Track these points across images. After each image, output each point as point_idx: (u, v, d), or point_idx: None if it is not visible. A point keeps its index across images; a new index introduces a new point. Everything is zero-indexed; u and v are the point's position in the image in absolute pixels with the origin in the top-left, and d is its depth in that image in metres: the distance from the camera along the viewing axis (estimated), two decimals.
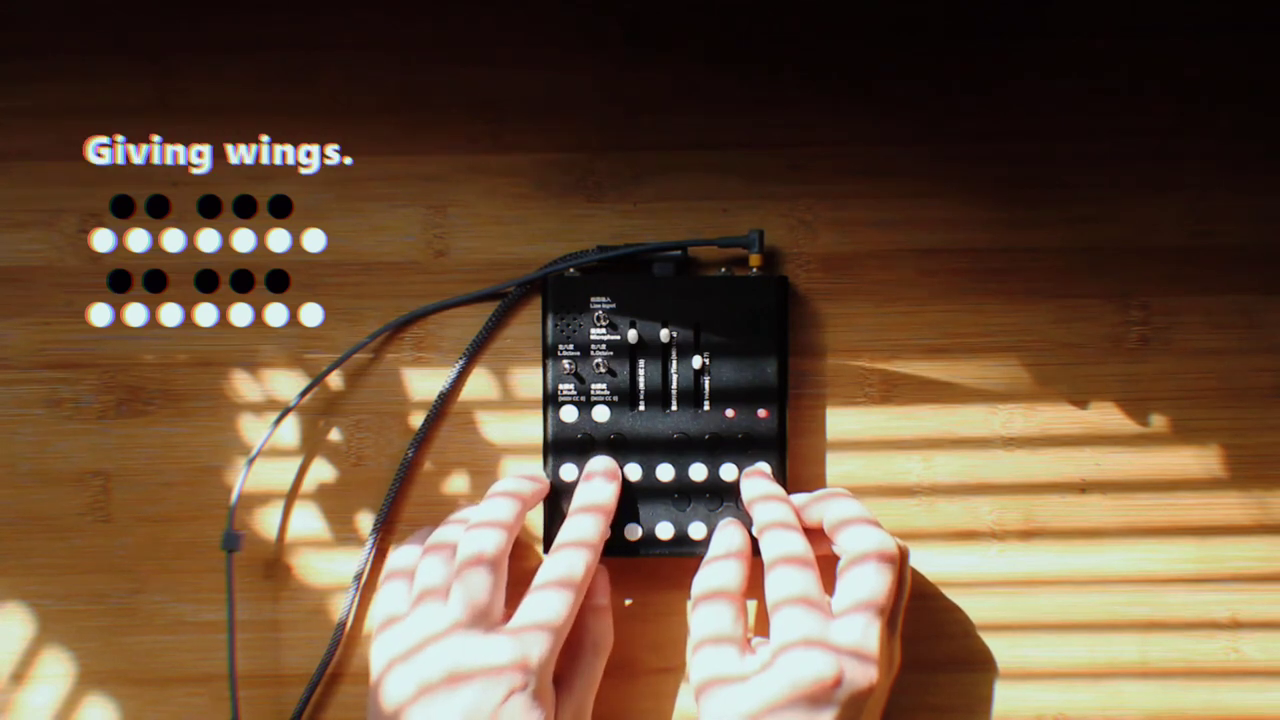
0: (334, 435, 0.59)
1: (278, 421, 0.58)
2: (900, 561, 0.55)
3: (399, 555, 0.57)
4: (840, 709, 0.51)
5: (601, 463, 0.57)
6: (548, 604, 0.53)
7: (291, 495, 0.59)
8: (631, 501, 0.57)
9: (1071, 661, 0.59)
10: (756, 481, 0.57)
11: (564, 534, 0.56)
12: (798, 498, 0.57)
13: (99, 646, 0.59)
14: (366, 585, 0.59)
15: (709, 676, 0.53)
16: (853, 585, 0.53)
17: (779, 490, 0.57)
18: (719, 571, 0.56)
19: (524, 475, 0.57)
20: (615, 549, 0.57)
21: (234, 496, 0.58)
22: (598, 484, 0.57)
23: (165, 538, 0.59)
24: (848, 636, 0.52)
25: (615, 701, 0.58)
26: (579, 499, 0.56)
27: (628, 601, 0.59)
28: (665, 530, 0.57)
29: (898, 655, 0.55)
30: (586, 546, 0.55)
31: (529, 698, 0.52)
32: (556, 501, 0.57)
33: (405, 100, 0.60)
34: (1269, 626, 0.59)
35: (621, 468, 0.57)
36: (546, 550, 0.57)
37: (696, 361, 0.58)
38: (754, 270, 0.58)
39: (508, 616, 0.54)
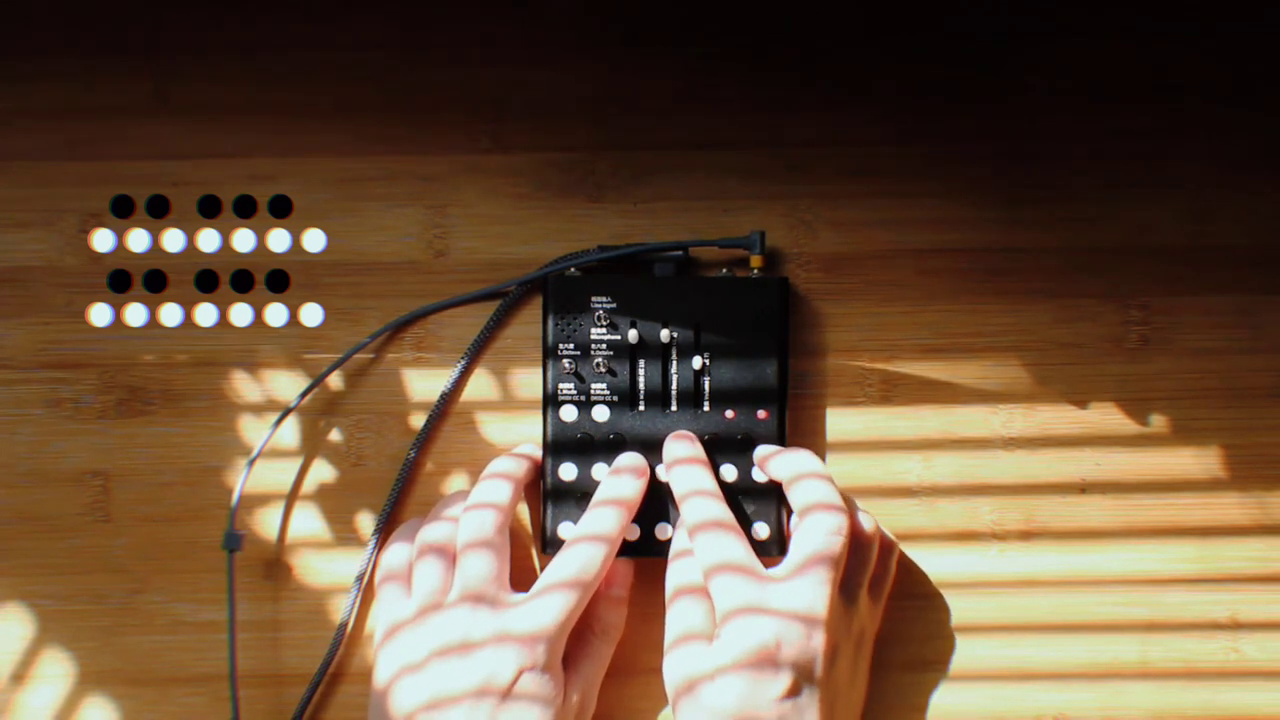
0: (334, 435, 0.59)
1: (278, 422, 0.58)
2: (859, 529, 0.56)
3: (392, 554, 0.57)
4: (794, 673, 0.51)
5: (630, 459, 0.57)
6: (553, 600, 0.54)
7: (292, 495, 0.59)
8: None
9: (1071, 662, 0.59)
10: (677, 444, 0.57)
11: (581, 527, 0.56)
12: (761, 450, 0.57)
13: (99, 647, 0.59)
14: (367, 586, 0.59)
15: (681, 680, 0.53)
16: (799, 542, 0.54)
17: (699, 452, 0.57)
18: (685, 568, 0.56)
19: (514, 454, 0.58)
20: None
21: (235, 497, 0.58)
22: (624, 479, 0.56)
23: (165, 538, 0.59)
24: (791, 600, 0.52)
25: (614, 700, 0.58)
26: (601, 493, 0.56)
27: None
28: (664, 530, 0.57)
29: (864, 617, 0.56)
30: (602, 541, 0.55)
31: (539, 674, 0.52)
32: (552, 499, 0.57)
33: (405, 100, 0.60)
34: (1269, 627, 0.59)
35: None
36: (543, 548, 0.57)
37: (696, 362, 0.58)
38: (755, 271, 0.58)
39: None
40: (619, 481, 0.56)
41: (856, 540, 0.56)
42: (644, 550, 0.57)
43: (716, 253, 0.59)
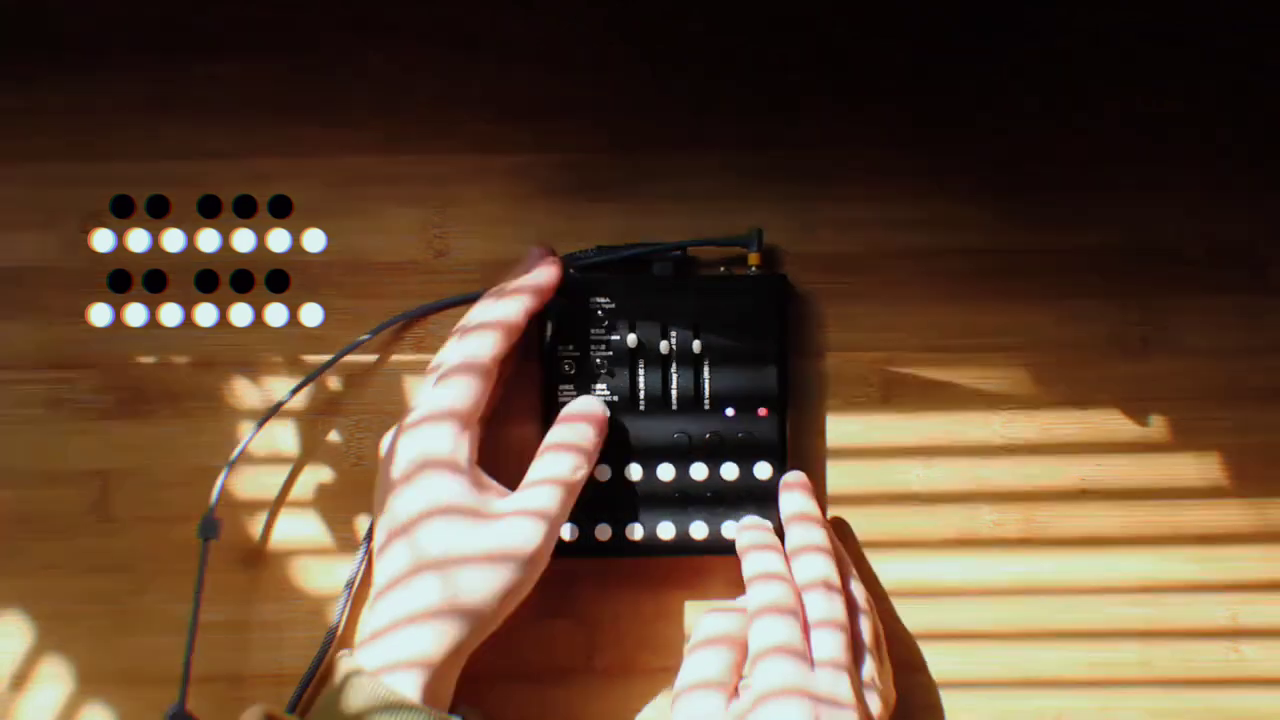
0: (334, 436, 0.59)
1: (265, 420, 0.58)
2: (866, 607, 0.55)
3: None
4: None
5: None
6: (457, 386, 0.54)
7: (291, 496, 0.59)
8: (632, 502, 0.57)
9: (1072, 665, 0.59)
10: (752, 534, 0.56)
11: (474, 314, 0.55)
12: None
13: (99, 646, 0.59)
14: (360, 589, 0.59)
15: None
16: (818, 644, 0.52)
17: (773, 540, 0.56)
18: (724, 619, 0.55)
19: (541, 260, 0.57)
20: (616, 549, 0.57)
21: (218, 485, 0.58)
22: (538, 270, 0.56)
23: (165, 538, 0.59)
24: (823, 686, 0.51)
25: (613, 700, 0.58)
26: (471, 316, 0.55)
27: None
28: (666, 530, 0.57)
29: (893, 692, 0.55)
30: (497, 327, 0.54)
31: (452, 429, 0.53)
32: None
33: (406, 100, 0.60)
34: (1270, 631, 0.59)
35: (622, 469, 0.57)
36: None
37: (696, 360, 0.57)
38: (753, 269, 0.58)
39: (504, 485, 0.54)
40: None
41: (856, 646, 0.54)
42: (615, 550, 0.57)
43: (715, 252, 0.59)
